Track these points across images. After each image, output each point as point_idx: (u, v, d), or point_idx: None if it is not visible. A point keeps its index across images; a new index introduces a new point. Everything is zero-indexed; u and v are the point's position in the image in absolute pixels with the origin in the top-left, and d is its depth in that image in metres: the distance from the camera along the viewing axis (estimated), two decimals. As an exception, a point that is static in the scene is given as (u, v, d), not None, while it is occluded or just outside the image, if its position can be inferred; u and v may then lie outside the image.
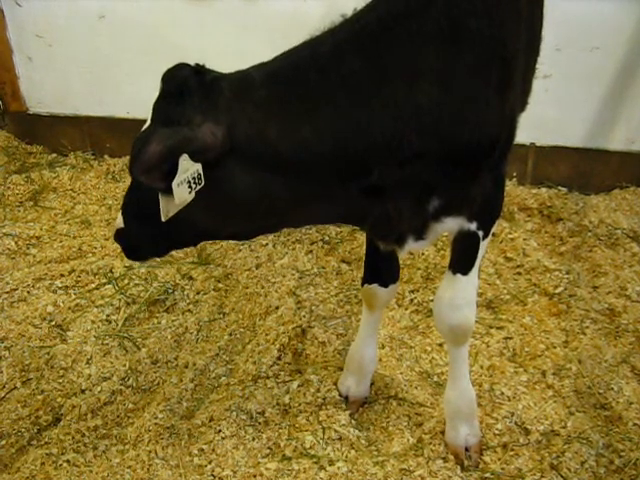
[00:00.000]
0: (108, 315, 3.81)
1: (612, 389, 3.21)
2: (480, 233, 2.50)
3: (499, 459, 2.90)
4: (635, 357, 3.39)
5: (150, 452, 3.02)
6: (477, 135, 2.21)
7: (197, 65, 2.04)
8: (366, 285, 2.96)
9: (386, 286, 2.94)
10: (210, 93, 1.99)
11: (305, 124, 2.03)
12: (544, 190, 4.75)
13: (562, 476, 2.80)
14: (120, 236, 2.47)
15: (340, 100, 2.05)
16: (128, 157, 5.56)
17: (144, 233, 2.38)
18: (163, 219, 2.02)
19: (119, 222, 2.42)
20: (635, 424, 3.05)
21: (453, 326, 2.68)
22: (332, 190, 2.15)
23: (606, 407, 3.15)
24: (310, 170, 2.07)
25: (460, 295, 2.63)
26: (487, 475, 2.86)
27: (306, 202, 2.18)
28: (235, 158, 2.00)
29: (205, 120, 1.95)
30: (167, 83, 2.02)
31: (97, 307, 3.87)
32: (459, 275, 2.60)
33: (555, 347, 3.43)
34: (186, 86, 1.98)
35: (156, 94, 2.03)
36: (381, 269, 2.94)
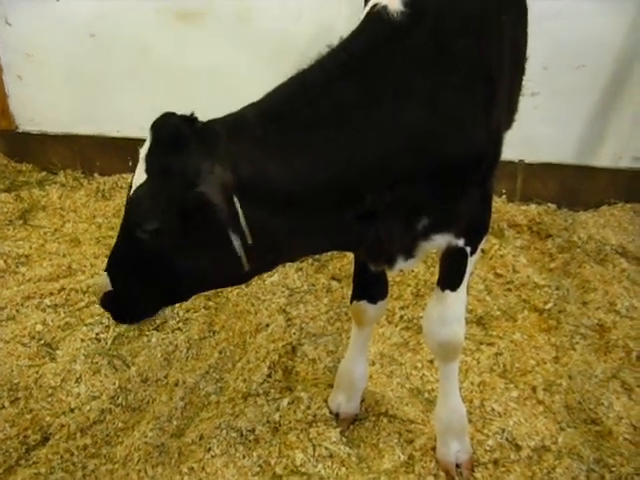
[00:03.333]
0: (97, 333, 3.79)
1: (602, 404, 3.21)
2: (468, 249, 2.52)
3: (490, 475, 2.89)
4: (625, 372, 3.39)
5: (140, 471, 3.00)
6: (465, 153, 2.26)
7: (185, 115, 2.02)
8: (355, 302, 2.96)
9: (375, 302, 2.94)
10: (207, 138, 1.98)
11: (301, 157, 2.05)
12: (533, 207, 4.77)
13: (553, 492, 2.80)
14: (108, 300, 2.25)
15: (332, 131, 2.08)
16: (118, 175, 5.52)
17: (136, 293, 2.21)
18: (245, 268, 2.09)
19: (104, 284, 2.22)
20: (626, 439, 3.05)
21: (442, 342, 2.69)
22: (329, 220, 2.17)
23: (597, 422, 3.15)
24: (308, 203, 2.09)
25: (449, 311, 2.64)
26: (478, 492, 2.86)
27: (304, 235, 2.18)
28: (238, 200, 2.00)
29: (214, 165, 1.96)
30: (158, 132, 1.98)
31: (86, 325, 3.85)
32: (448, 291, 2.60)
33: (545, 363, 3.44)
34: (180, 133, 1.95)
35: (146, 129, 2.02)
36: (369, 286, 2.94)
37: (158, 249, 2.05)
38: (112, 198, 5.30)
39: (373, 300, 2.94)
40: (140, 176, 2.01)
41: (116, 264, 2.22)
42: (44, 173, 5.77)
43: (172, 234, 2.01)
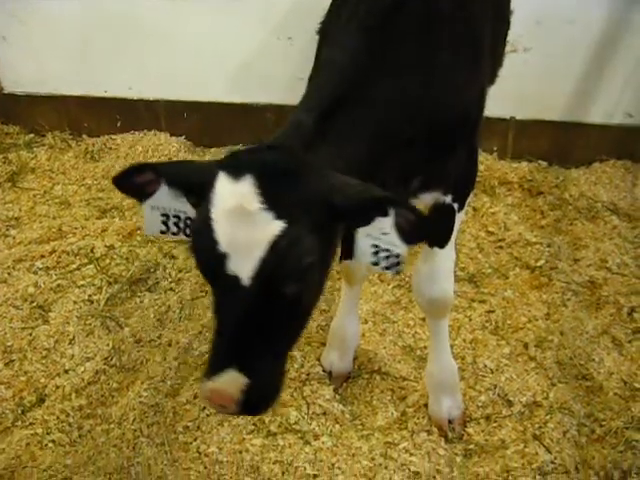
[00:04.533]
0: (90, 295, 3.79)
1: (593, 360, 3.24)
2: (456, 205, 2.53)
3: (482, 431, 2.93)
4: (616, 328, 3.42)
5: (135, 431, 3.03)
6: (456, 115, 2.32)
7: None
8: (344, 260, 2.97)
9: None
10: (308, 162, 1.87)
11: (352, 146, 2.04)
12: (524, 164, 4.76)
13: (545, 446, 2.83)
14: (248, 398, 1.79)
15: (367, 114, 2.08)
16: (107, 136, 5.43)
17: (276, 366, 1.91)
18: None
19: (236, 384, 1.77)
20: (616, 394, 3.08)
21: (432, 299, 2.70)
22: None
23: (587, 378, 3.18)
24: None
25: (438, 268, 2.66)
26: (471, 447, 2.89)
27: None
28: None
29: (335, 175, 1.86)
30: (261, 170, 1.75)
31: (79, 287, 3.85)
32: (436, 248, 2.61)
33: (537, 320, 3.46)
34: (285, 164, 1.80)
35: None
36: None
37: (308, 291, 1.87)
38: (101, 159, 5.25)
39: None
40: (262, 230, 1.72)
41: (247, 348, 1.81)
42: (31, 135, 5.70)
43: (318, 265, 1.84)
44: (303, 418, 3.00)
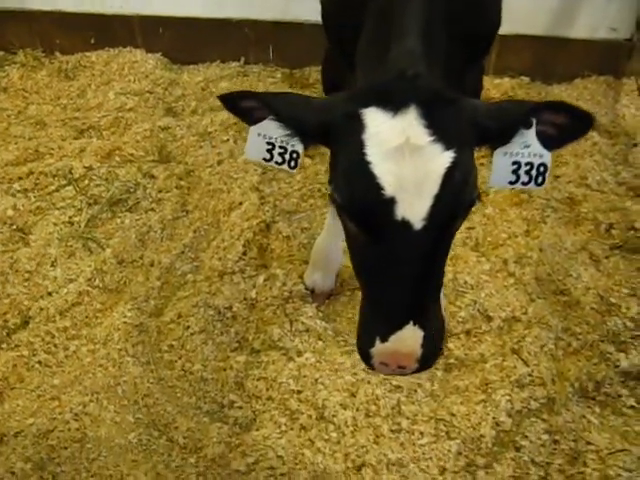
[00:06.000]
0: (70, 217, 3.76)
1: (571, 275, 3.30)
2: None
3: (463, 345, 3.00)
4: (593, 244, 3.46)
5: (120, 350, 3.07)
6: (494, 21, 2.43)
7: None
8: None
9: None
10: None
11: (442, 66, 2.00)
12: (507, 80, 4.70)
13: (522, 359, 2.91)
14: (428, 349, 1.78)
15: (445, 34, 2.04)
16: (81, 54, 5.25)
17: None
18: None
19: (417, 338, 1.74)
20: (592, 308, 3.15)
21: None
22: None
23: (565, 293, 3.24)
24: None
25: None
26: (451, 361, 2.96)
27: None
28: None
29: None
30: (420, 100, 1.67)
31: (58, 209, 3.81)
32: None
33: (517, 236, 3.49)
34: (437, 92, 1.73)
35: None
36: None
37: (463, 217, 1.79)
38: (76, 78, 5.10)
39: None
40: (435, 165, 1.63)
41: (417, 297, 1.74)
42: (2, 53, 5.52)
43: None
44: (286, 335, 3.05)
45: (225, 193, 3.83)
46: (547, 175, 1.83)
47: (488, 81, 4.67)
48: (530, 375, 2.87)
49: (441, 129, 1.63)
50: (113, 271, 3.45)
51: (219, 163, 4.08)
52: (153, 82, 4.77)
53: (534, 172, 1.83)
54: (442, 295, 2.02)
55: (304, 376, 2.90)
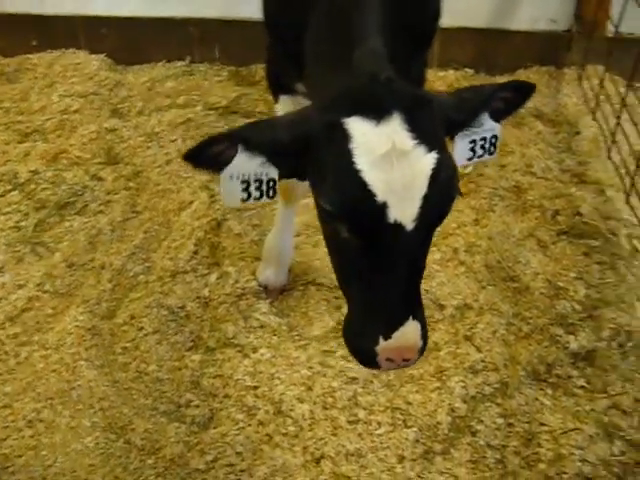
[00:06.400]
0: (17, 222, 3.69)
1: (520, 262, 3.36)
2: None
3: (416, 334, 3.02)
4: (541, 230, 3.54)
5: (74, 354, 3.03)
6: (436, 12, 2.56)
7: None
8: (284, 179, 2.95)
9: (304, 179, 2.94)
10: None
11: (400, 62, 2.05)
12: (451, 72, 4.76)
13: (475, 346, 2.96)
14: (424, 341, 1.87)
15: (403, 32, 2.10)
16: (23, 56, 5.12)
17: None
18: None
19: (416, 332, 1.82)
20: (541, 293, 3.22)
21: None
22: None
23: (515, 279, 3.30)
24: None
25: None
26: (405, 350, 2.98)
27: None
28: None
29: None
30: (400, 105, 1.71)
31: (4, 214, 3.74)
32: None
33: (466, 225, 3.53)
34: (412, 94, 1.79)
35: None
36: None
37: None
38: (18, 81, 4.99)
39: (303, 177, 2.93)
40: (421, 167, 1.68)
41: (412, 292, 1.86)
42: (-60, 56, 5.41)
43: None
44: (241, 332, 3.05)
45: (175, 193, 3.81)
46: (498, 143, 1.98)
47: (432, 74, 4.72)
48: (483, 361, 2.92)
49: (422, 131, 1.68)
50: (63, 275, 3.40)
51: (167, 163, 4.05)
52: (98, 83, 4.70)
53: (487, 144, 1.96)
54: None
55: (260, 372, 2.90)
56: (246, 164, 1.82)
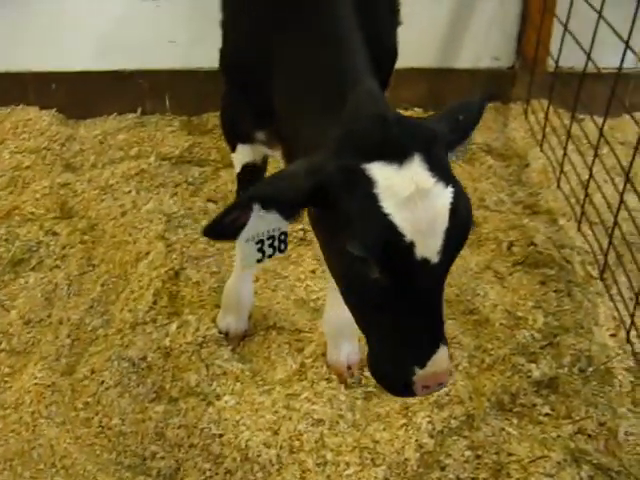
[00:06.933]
0: (-30, 281, 3.64)
1: (478, 294, 3.40)
2: None
3: (380, 372, 3.02)
4: (497, 262, 3.59)
5: (33, 413, 2.96)
6: (394, 50, 2.74)
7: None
8: None
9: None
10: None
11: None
12: (402, 112, 4.84)
13: (439, 380, 2.96)
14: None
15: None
16: None
17: None
18: None
19: (447, 355, 1.88)
20: (501, 324, 3.26)
21: None
22: None
23: (474, 312, 3.33)
24: None
25: None
26: (370, 389, 2.99)
27: None
28: None
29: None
30: (417, 145, 1.75)
31: (-43, 274, 3.68)
32: None
33: (423, 261, 3.56)
34: (423, 131, 1.84)
35: None
36: None
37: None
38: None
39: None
40: (442, 203, 1.72)
41: (439, 320, 1.90)
42: None
43: None
44: (203, 380, 3.01)
45: (131, 244, 3.78)
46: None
47: (383, 114, 4.79)
48: (448, 395, 2.92)
49: (438, 168, 1.73)
50: (20, 332, 3.34)
51: (122, 215, 4.02)
52: (49, 139, 4.68)
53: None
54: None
55: (225, 419, 2.87)
56: (260, 223, 1.83)
